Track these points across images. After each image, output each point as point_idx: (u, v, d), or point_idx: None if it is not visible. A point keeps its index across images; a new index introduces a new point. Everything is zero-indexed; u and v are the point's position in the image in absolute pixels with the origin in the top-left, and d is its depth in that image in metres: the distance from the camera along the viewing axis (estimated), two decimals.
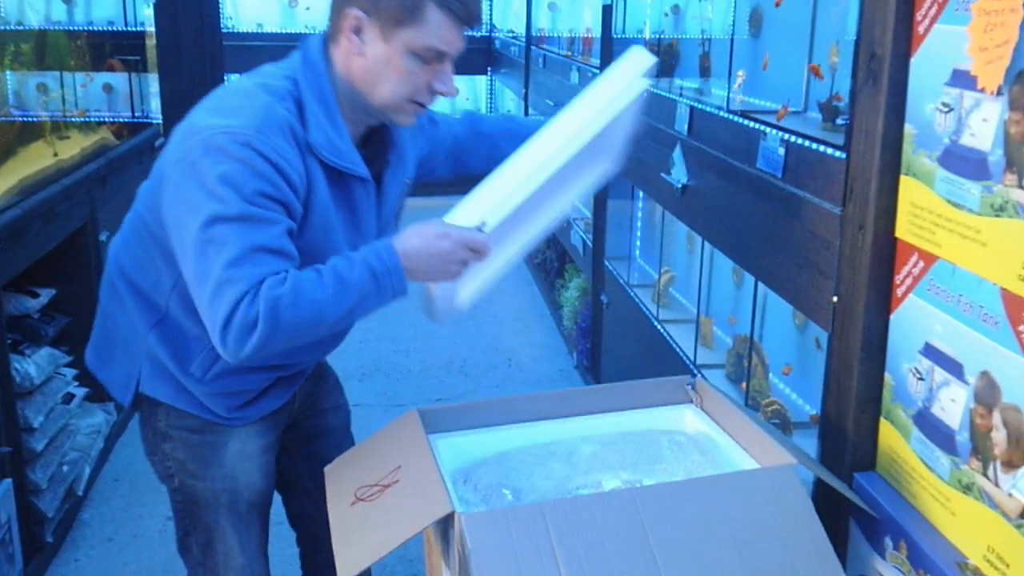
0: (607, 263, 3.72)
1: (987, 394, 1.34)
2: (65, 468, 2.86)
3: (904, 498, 1.56)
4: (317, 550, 2.08)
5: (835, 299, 1.70)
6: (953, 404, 1.42)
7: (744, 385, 2.36)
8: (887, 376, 1.60)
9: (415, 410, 1.70)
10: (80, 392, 3.31)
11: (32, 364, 2.85)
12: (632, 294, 3.31)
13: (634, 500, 1.39)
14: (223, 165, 1.42)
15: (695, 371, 2.58)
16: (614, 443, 1.69)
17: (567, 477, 1.59)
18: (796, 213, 1.83)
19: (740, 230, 2.16)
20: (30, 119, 3.24)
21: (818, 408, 1.79)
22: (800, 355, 2.35)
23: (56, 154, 3.28)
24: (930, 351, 1.46)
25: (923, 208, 1.46)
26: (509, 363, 4.44)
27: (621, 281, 3.47)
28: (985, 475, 1.35)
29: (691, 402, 1.83)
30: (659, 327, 2.93)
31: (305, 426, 1.96)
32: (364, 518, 1.48)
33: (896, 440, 1.58)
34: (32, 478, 2.72)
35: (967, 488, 1.39)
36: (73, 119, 3.60)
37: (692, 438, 1.72)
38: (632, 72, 1.63)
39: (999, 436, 1.32)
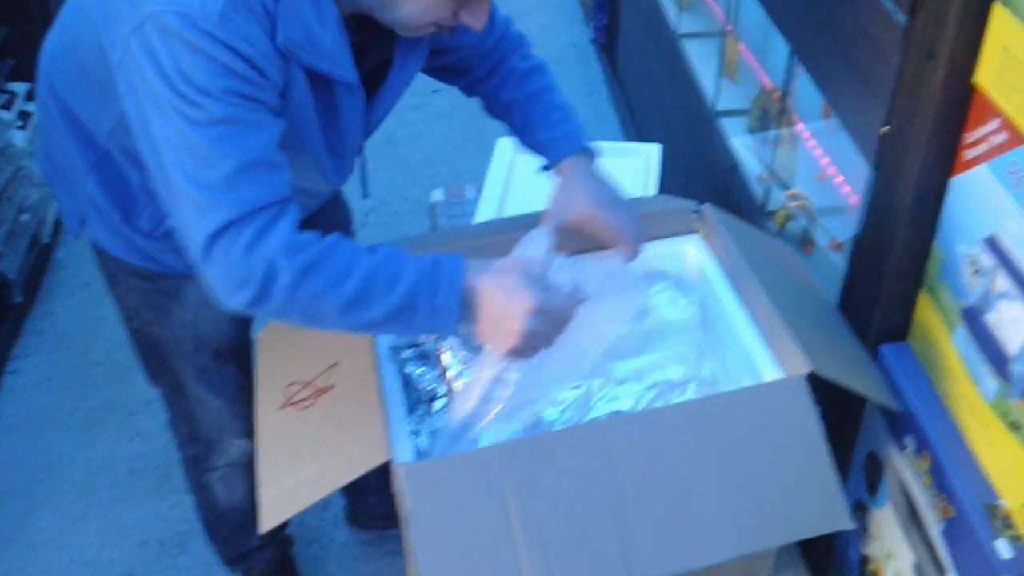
0: None
1: None
2: (25, 217, 2.62)
3: (935, 391, 1.31)
4: None
5: (885, 128, 1.32)
6: (1014, 326, 1.11)
7: (766, 189, 2.00)
8: (936, 245, 1.27)
9: None
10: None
11: None
12: None
13: (604, 435, 1.16)
14: (183, 58, 1.07)
15: (714, 120, 2.21)
16: (603, 303, 1.43)
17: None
18: None
19: None
20: None
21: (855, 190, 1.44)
22: None
23: None
24: (997, 248, 1.13)
25: (1020, 59, 1.05)
26: None
27: None
28: None
29: (695, 232, 1.53)
30: (679, 45, 2.50)
31: None
32: (292, 434, 1.27)
33: (936, 323, 1.29)
34: None
35: (1014, 427, 1.13)
36: None
37: (693, 296, 1.45)
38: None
39: None
